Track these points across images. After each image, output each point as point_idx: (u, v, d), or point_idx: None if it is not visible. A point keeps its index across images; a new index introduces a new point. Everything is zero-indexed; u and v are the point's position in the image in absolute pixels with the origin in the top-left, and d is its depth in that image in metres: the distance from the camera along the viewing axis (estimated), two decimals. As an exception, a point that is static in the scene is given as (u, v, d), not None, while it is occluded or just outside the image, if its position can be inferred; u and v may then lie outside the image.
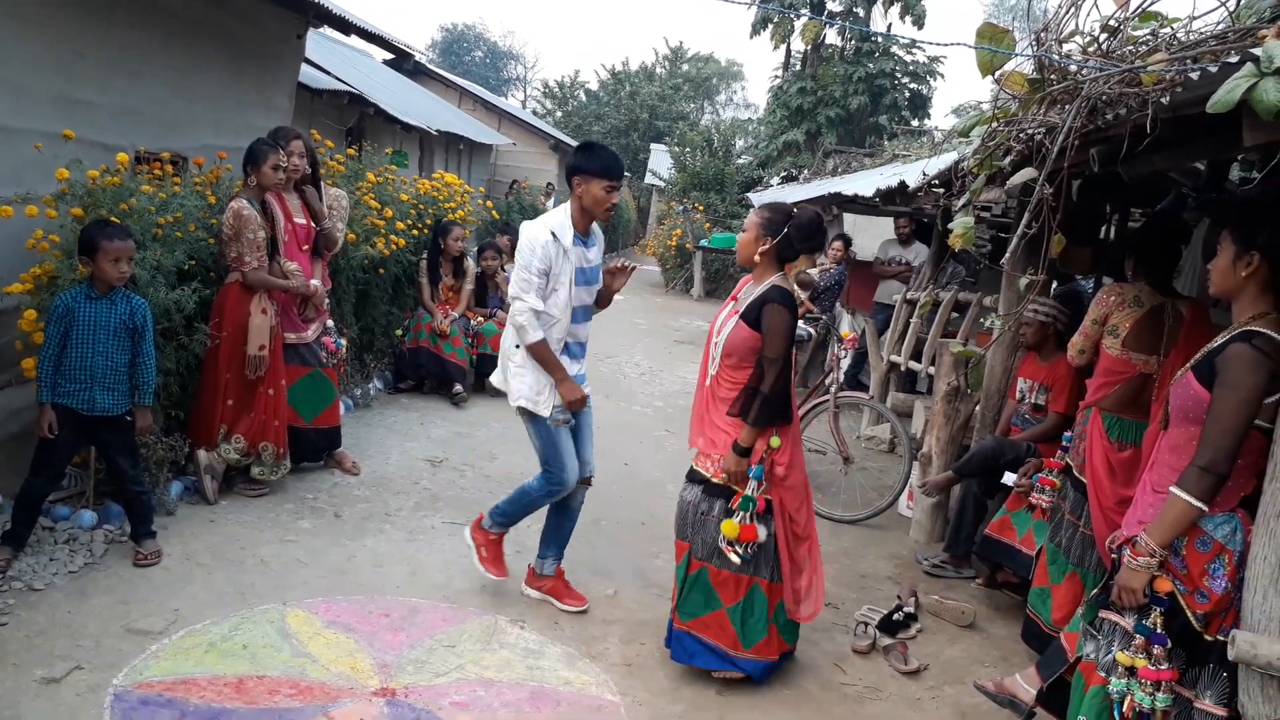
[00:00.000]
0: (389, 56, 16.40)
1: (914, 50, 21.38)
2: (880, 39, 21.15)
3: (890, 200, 6.93)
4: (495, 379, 4.22)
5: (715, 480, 3.69)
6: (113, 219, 4.20)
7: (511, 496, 4.22)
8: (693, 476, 3.81)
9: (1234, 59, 2.16)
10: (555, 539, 4.32)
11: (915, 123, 20.35)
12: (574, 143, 27.72)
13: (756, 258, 3.71)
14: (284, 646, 3.59)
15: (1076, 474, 3.99)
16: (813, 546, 3.89)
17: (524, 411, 4.04)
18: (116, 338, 3.98)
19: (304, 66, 8.71)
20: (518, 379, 4.02)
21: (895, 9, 21.12)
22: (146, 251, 4.43)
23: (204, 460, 4.85)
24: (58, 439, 3.90)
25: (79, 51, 5.09)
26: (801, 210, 3.80)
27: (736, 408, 3.65)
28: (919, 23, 20.96)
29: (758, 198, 14.41)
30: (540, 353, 3.94)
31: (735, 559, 3.62)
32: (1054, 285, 5.56)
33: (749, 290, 3.76)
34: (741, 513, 3.61)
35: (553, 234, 3.92)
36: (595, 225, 4.16)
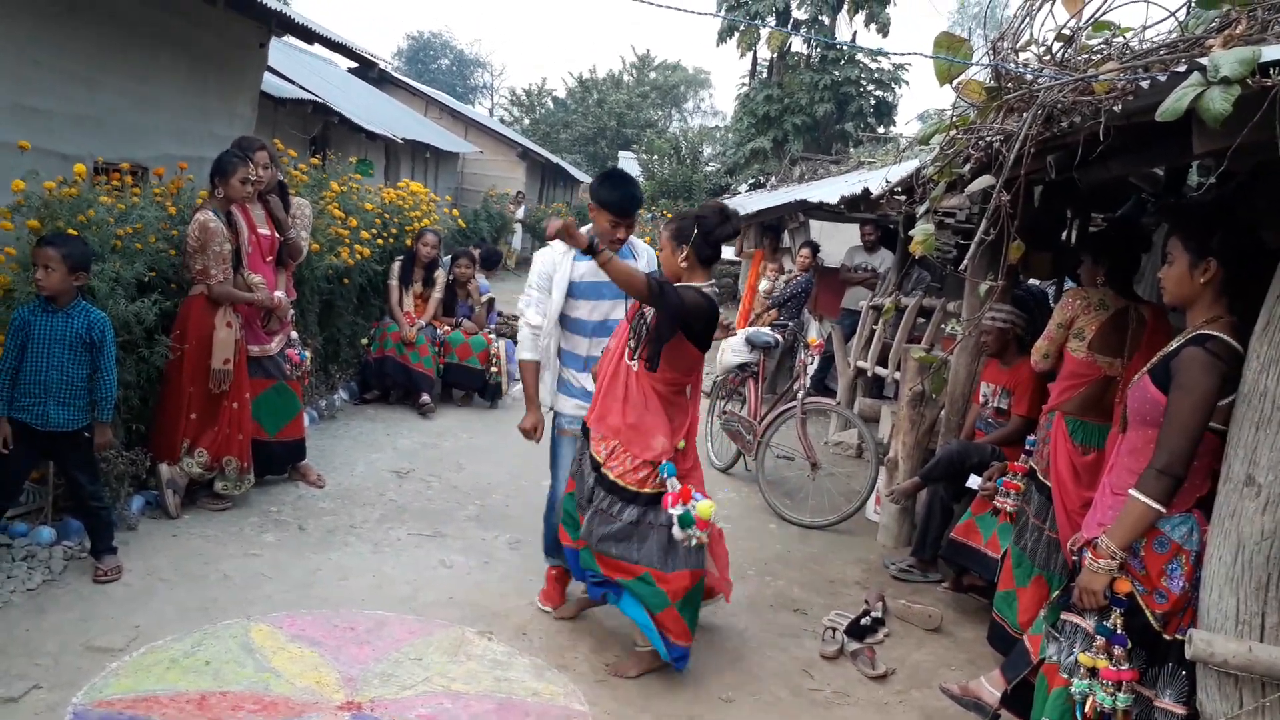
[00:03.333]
0: (354, 65, 16.34)
1: (878, 58, 21.58)
2: (845, 47, 21.32)
3: (855, 207, 6.98)
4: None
5: (621, 483, 3.69)
6: (70, 230, 4.16)
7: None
8: (619, 493, 3.72)
9: (1182, 68, 2.20)
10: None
11: (881, 130, 20.54)
12: (542, 150, 27.84)
13: (683, 263, 3.74)
14: (248, 662, 3.54)
15: (1041, 477, 4.03)
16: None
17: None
18: (73, 351, 3.91)
19: (267, 75, 8.66)
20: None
21: (860, 17, 21.32)
22: (105, 263, 4.38)
23: (166, 474, 4.79)
24: (12, 454, 3.84)
25: (35, 60, 5.03)
26: (703, 204, 3.90)
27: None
28: (884, 31, 21.18)
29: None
30: (525, 375, 4.21)
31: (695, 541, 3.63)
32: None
33: None
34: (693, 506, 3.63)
35: (559, 253, 4.13)
36: (638, 243, 4.27)
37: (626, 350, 3.78)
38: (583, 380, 4.18)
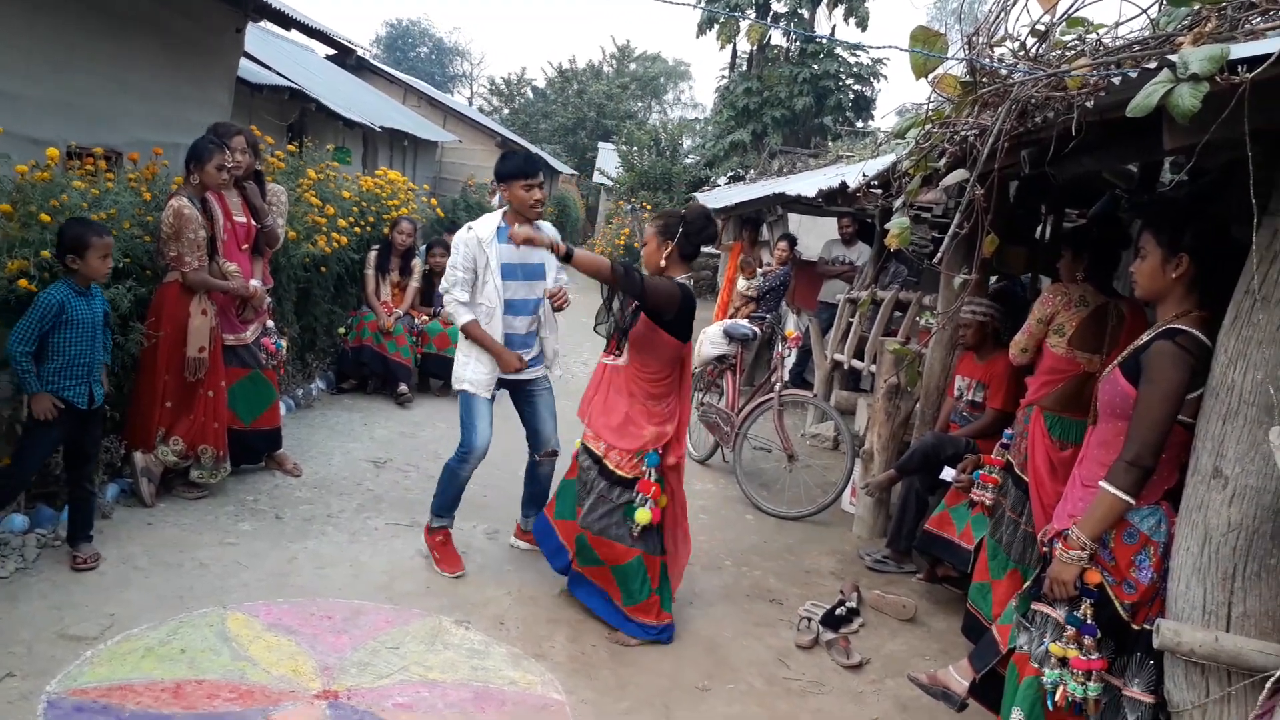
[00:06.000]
0: (332, 52, 16.21)
1: (857, 52, 21.62)
2: (824, 41, 21.36)
3: (833, 200, 7.00)
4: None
5: (620, 473, 4.03)
6: (43, 216, 4.13)
7: (438, 484, 4.59)
8: (618, 481, 4.08)
9: (1153, 65, 2.23)
10: (532, 500, 4.82)
11: (859, 124, 20.59)
12: (521, 140, 27.72)
13: (663, 262, 4.04)
14: (223, 650, 3.54)
15: (1018, 472, 4.07)
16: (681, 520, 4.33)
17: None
18: (100, 331, 4.08)
19: (244, 61, 8.59)
20: (460, 368, 4.45)
21: (839, 11, 21.34)
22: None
23: (140, 462, 4.76)
24: (53, 434, 3.93)
25: (6, 43, 4.96)
26: (689, 207, 4.16)
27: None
28: (863, 25, 21.19)
29: (705, 198, 14.47)
30: (472, 332, 4.36)
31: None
32: (992, 281, 5.67)
33: None
34: (652, 503, 3.99)
35: (478, 238, 4.32)
36: (543, 224, 4.42)
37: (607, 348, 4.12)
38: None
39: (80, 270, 3.94)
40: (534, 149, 28.08)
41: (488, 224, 4.37)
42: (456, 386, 4.46)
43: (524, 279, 4.43)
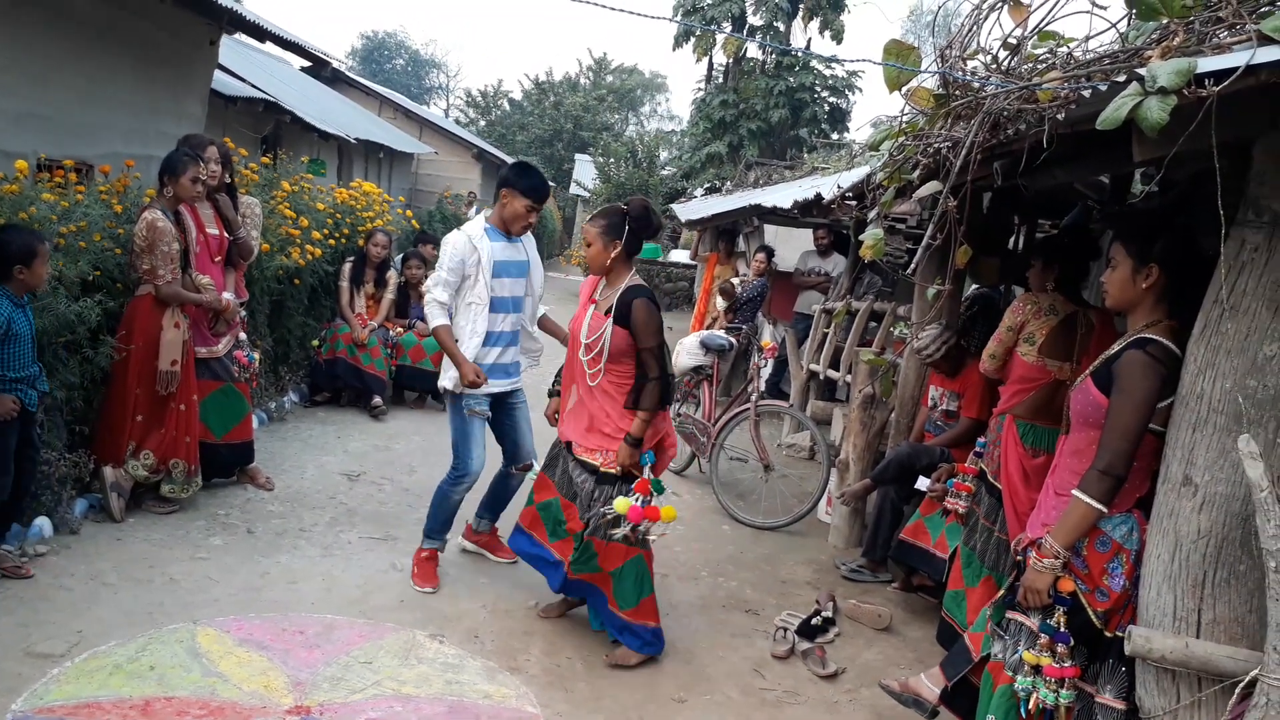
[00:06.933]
0: (307, 64, 16.15)
1: (833, 65, 21.80)
2: (799, 53, 21.52)
3: (808, 212, 7.03)
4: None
5: (607, 470, 3.95)
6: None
7: (431, 507, 4.55)
8: (585, 467, 4.02)
9: (1122, 78, 2.25)
10: (491, 505, 4.83)
11: (835, 136, 20.73)
12: (498, 152, 27.72)
13: (610, 261, 3.98)
14: (194, 666, 3.49)
15: (991, 479, 4.09)
16: None
17: (448, 394, 4.40)
18: (35, 341, 4.05)
19: (218, 73, 8.55)
20: (445, 375, 4.39)
21: (815, 24, 21.52)
22: (46, 260, 4.29)
23: (110, 477, 4.70)
24: (9, 438, 3.88)
25: (-24, 55, 4.91)
26: (630, 202, 4.05)
27: (632, 400, 3.91)
28: (838, 38, 21.40)
29: (681, 209, 14.50)
30: (441, 337, 4.30)
31: (619, 534, 3.88)
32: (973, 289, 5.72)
33: (609, 293, 4.00)
34: (649, 496, 3.89)
35: (468, 236, 4.31)
36: (528, 239, 4.52)
37: (581, 368, 4.01)
38: (491, 355, 4.39)
39: (26, 280, 3.90)
40: (511, 160, 28.09)
41: (476, 224, 4.38)
42: (450, 387, 4.36)
43: (512, 275, 4.40)
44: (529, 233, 4.51)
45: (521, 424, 4.63)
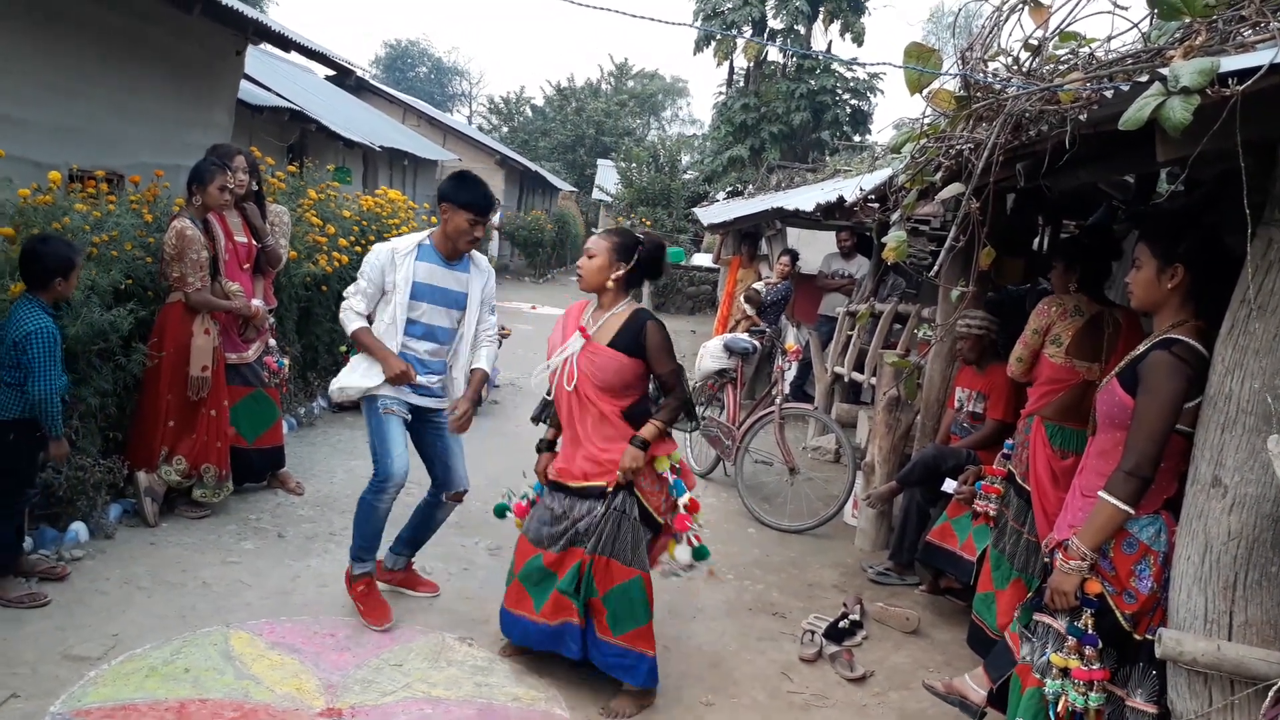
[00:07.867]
0: (331, 73, 16.30)
1: (854, 68, 21.74)
2: (820, 57, 21.48)
3: (831, 215, 7.03)
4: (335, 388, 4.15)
5: (613, 486, 3.61)
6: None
7: (355, 523, 4.15)
8: (590, 494, 3.66)
9: (1144, 78, 2.25)
10: (409, 539, 4.38)
11: (856, 138, 20.68)
12: (521, 158, 27.86)
13: (609, 283, 3.69)
14: (227, 669, 3.54)
15: (1019, 481, 4.07)
16: None
17: (365, 402, 4.07)
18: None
19: (244, 83, 8.65)
20: (346, 374, 4.10)
21: (835, 27, 21.48)
22: (80, 271, 4.37)
23: (144, 482, 4.78)
24: (36, 454, 3.94)
25: (10, 68, 5.01)
26: (646, 237, 3.82)
27: (636, 411, 3.68)
28: (859, 40, 21.35)
29: (704, 213, 14.51)
30: (360, 339, 4.03)
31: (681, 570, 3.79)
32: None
33: (602, 319, 3.71)
34: (687, 534, 3.74)
35: (392, 249, 4.01)
36: (480, 257, 4.19)
37: (570, 395, 3.70)
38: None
39: (62, 291, 3.92)
40: (534, 166, 28.23)
41: (409, 240, 4.06)
42: (347, 386, 4.05)
43: (438, 304, 4.05)
44: (486, 270, 4.20)
45: (453, 446, 4.24)
